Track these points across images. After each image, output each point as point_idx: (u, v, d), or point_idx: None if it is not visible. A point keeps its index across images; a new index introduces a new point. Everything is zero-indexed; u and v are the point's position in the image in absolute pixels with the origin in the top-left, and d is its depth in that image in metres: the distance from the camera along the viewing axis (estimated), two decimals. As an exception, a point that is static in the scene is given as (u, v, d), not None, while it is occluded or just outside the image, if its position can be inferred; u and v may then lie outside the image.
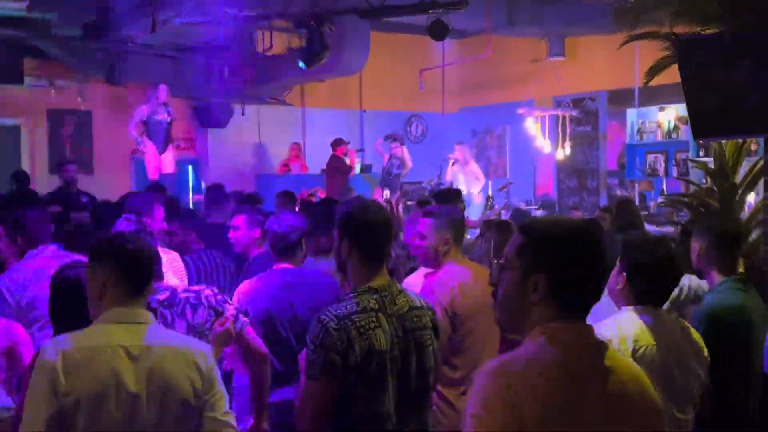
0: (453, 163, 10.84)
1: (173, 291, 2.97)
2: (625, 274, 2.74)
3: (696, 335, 2.78)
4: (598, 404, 1.64)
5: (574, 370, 1.65)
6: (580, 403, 1.62)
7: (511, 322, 1.79)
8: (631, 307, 2.73)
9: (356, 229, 2.51)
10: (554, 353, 1.66)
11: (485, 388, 1.61)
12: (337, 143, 10.89)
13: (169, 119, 9.63)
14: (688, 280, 3.70)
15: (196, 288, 3.06)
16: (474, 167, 11.13)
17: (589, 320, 2.83)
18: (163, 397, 2.18)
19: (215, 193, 6.21)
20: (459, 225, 3.55)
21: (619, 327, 2.66)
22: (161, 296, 2.91)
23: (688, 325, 2.82)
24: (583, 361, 1.68)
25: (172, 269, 3.97)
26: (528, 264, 1.72)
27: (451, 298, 3.36)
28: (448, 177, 10.86)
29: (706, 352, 2.76)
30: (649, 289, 2.71)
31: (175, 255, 4.39)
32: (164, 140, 9.69)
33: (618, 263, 2.79)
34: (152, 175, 9.72)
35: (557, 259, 1.70)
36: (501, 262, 1.81)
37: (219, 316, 2.92)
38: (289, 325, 3.38)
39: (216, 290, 3.06)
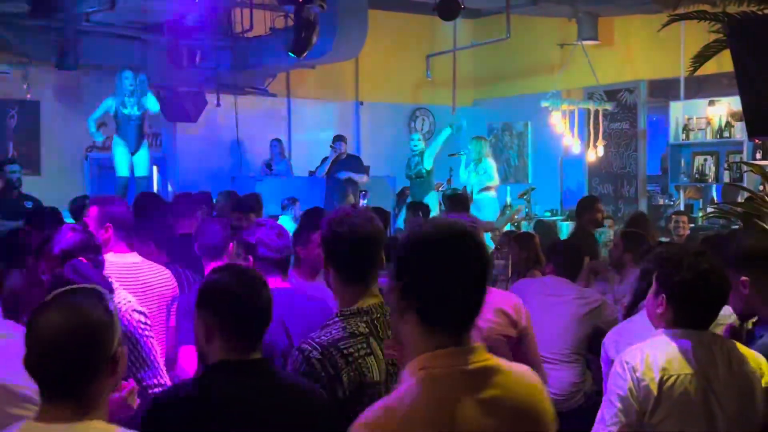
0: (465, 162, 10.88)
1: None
2: (663, 294, 2.76)
3: (755, 365, 2.75)
4: None
5: (444, 413, 1.73)
6: None
7: None
8: (667, 331, 2.76)
9: (334, 243, 2.55)
10: (423, 396, 1.74)
11: None
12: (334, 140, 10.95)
13: (139, 112, 9.67)
14: None
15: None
16: (490, 164, 11.14)
17: (623, 347, 2.81)
18: None
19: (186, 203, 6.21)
20: None
21: (647, 354, 2.69)
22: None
23: (747, 352, 2.79)
24: (457, 394, 1.75)
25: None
26: (397, 280, 1.83)
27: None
28: (462, 178, 10.89)
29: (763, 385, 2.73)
30: (690, 309, 2.74)
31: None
32: (136, 137, 9.72)
33: (654, 281, 2.82)
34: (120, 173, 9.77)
35: (415, 268, 1.79)
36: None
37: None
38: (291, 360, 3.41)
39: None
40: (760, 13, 4.77)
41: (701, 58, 5.25)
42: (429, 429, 1.72)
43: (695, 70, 5.36)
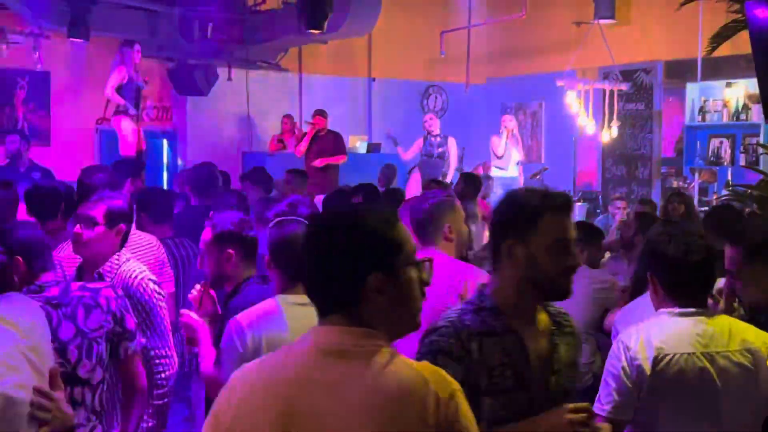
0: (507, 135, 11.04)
1: (66, 287, 2.98)
2: (652, 271, 2.81)
3: (759, 342, 2.74)
4: (308, 422, 1.73)
5: (276, 380, 1.78)
6: (272, 418, 1.74)
7: None
8: (666, 310, 2.78)
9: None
10: (270, 360, 1.86)
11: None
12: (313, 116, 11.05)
13: (141, 85, 9.74)
14: None
15: (95, 285, 3.07)
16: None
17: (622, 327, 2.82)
18: None
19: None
20: None
21: (642, 334, 2.72)
22: (49, 292, 2.91)
23: (749, 328, 2.77)
24: (294, 370, 1.78)
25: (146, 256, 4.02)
26: None
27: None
28: (500, 151, 10.99)
29: None
30: (675, 286, 2.76)
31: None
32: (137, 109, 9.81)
33: None
34: (125, 152, 9.78)
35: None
36: None
37: (117, 323, 2.95)
38: None
39: (119, 292, 3.09)
40: (779, -7, 4.75)
41: (719, 38, 5.25)
42: (266, 398, 1.77)
43: (713, 50, 5.37)
